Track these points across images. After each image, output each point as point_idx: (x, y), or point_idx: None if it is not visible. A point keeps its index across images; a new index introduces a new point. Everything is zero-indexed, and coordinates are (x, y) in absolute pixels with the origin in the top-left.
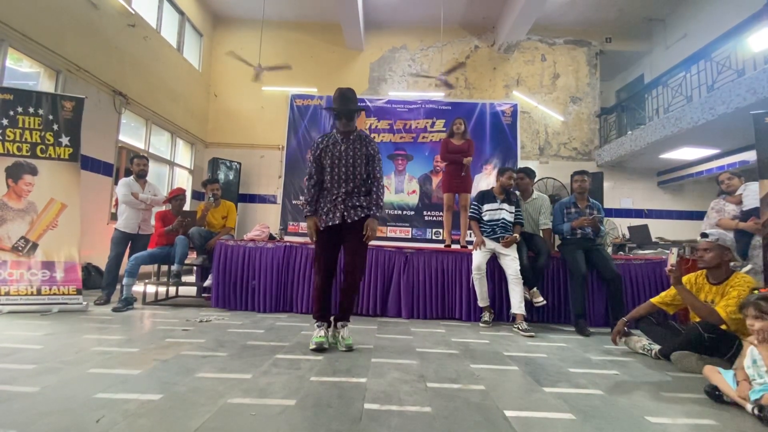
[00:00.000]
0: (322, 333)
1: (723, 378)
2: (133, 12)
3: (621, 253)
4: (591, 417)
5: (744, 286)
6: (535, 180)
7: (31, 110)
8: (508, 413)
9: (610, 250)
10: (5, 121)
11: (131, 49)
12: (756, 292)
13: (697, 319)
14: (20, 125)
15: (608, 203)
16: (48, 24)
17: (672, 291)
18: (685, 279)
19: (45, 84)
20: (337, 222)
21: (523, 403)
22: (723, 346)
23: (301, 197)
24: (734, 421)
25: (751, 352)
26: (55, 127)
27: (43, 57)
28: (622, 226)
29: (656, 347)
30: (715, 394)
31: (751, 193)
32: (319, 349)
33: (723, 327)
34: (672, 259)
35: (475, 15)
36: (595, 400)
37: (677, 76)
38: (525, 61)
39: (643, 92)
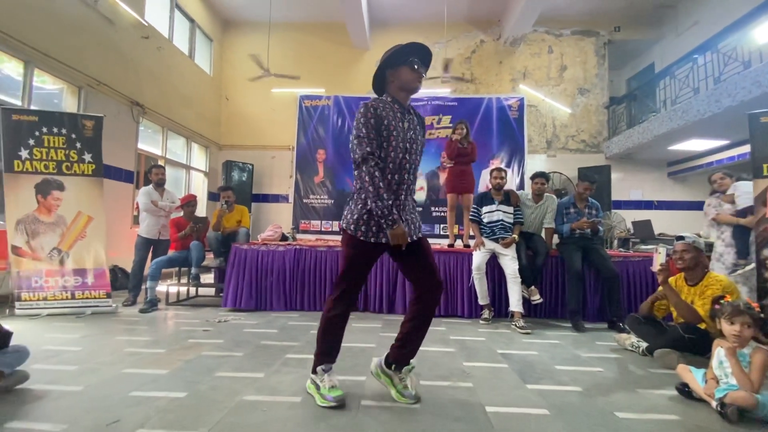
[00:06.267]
0: (336, 381)
1: (693, 376)
2: (146, 24)
3: (621, 249)
4: (564, 412)
5: (717, 285)
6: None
7: (55, 130)
8: (489, 409)
9: (615, 243)
10: (32, 142)
11: (146, 60)
12: (728, 298)
13: (681, 320)
14: (46, 144)
15: (617, 195)
16: (69, 43)
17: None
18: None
19: (68, 100)
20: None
21: (504, 399)
22: (702, 345)
23: (310, 196)
24: (696, 417)
25: (717, 354)
26: (78, 145)
27: (66, 75)
28: (628, 220)
29: (644, 344)
30: (685, 391)
31: (743, 194)
32: (343, 405)
33: (702, 326)
34: (661, 258)
35: (480, 9)
36: (572, 397)
37: (684, 67)
38: (531, 54)
39: (654, 82)
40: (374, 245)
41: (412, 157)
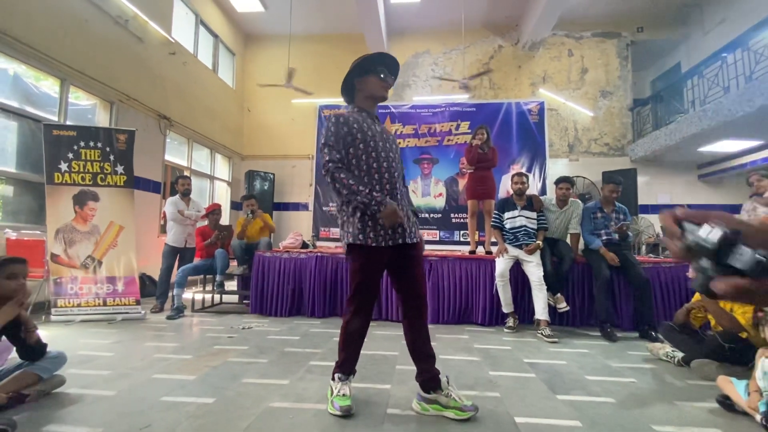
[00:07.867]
0: (348, 391)
1: (734, 388)
2: (173, 41)
3: (650, 255)
4: (597, 425)
5: None
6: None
7: (92, 144)
8: (518, 420)
9: (643, 249)
10: (71, 155)
11: (173, 75)
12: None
13: (719, 329)
14: (83, 158)
15: (644, 200)
16: (102, 61)
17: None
18: None
19: (101, 115)
20: (399, 242)
21: (534, 410)
22: (744, 355)
23: (330, 204)
24: (739, 431)
25: (762, 364)
26: (112, 157)
27: (99, 91)
28: (657, 225)
29: (679, 354)
30: (726, 404)
31: None
32: (348, 415)
33: (743, 334)
34: None
35: (498, 14)
36: (605, 408)
37: (713, 66)
38: (551, 58)
39: (681, 82)
40: (385, 249)
41: (393, 163)
